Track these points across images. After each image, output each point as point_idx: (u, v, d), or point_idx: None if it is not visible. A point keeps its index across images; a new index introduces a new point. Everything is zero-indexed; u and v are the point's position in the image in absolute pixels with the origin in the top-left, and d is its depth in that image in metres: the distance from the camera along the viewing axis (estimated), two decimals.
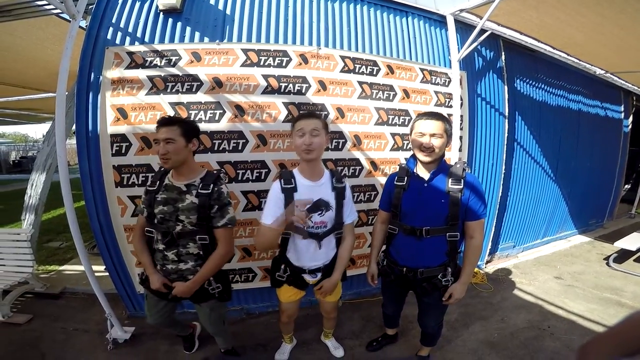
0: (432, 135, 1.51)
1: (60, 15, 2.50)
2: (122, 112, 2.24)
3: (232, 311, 2.68)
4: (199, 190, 1.56)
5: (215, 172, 1.67)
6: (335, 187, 1.67)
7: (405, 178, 1.68)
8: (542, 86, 4.02)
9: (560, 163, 4.40)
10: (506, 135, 3.57)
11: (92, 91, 2.26)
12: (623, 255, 4.06)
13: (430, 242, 1.62)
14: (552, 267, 3.88)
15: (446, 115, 1.64)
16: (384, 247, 1.92)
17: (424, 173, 1.62)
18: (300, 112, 2.43)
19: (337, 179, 1.69)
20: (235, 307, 2.72)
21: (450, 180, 1.56)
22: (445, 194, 1.56)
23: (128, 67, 2.25)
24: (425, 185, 1.61)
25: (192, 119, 2.16)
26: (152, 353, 2.25)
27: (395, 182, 1.71)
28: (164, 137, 1.50)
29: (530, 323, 2.64)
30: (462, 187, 1.54)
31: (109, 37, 2.29)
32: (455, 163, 1.62)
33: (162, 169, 1.68)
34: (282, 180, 1.62)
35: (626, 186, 6.68)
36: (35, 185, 2.97)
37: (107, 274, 2.50)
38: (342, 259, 1.76)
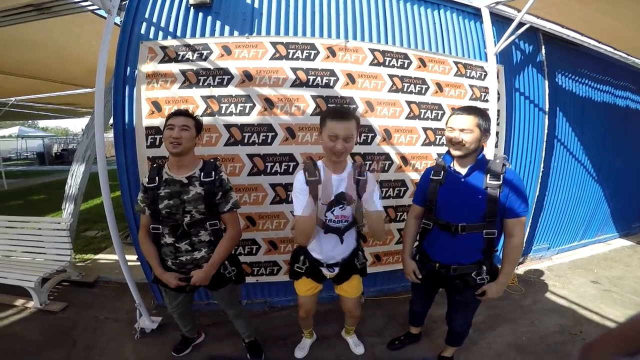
0: (462, 130, 1.48)
1: (96, 12, 2.58)
2: (156, 105, 2.30)
3: (255, 304, 2.73)
4: (202, 180, 1.61)
5: (212, 160, 1.70)
6: (358, 180, 1.61)
7: (442, 172, 1.64)
8: (586, 81, 3.75)
9: (604, 162, 4.11)
10: (546, 131, 3.39)
11: (128, 85, 2.34)
12: None
13: (466, 238, 1.57)
14: (589, 271, 3.65)
15: (482, 109, 1.57)
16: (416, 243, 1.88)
17: (460, 168, 1.58)
18: (331, 106, 2.39)
19: (360, 171, 1.62)
20: (259, 300, 2.76)
21: (488, 176, 1.50)
22: (483, 190, 1.50)
23: (162, 62, 2.30)
24: (462, 180, 1.56)
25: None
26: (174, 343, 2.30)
27: (431, 176, 1.68)
28: (181, 124, 1.56)
29: (561, 327, 2.50)
30: (500, 183, 1.48)
31: (142, 32, 2.35)
32: (495, 158, 1.55)
33: (155, 165, 1.71)
34: (306, 173, 1.60)
35: None
36: (75, 176, 3.13)
37: (139, 263, 2.59)
38: (376, 229, 1.65)
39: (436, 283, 1.82)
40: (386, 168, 2.64)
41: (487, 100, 2.87)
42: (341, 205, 1.61)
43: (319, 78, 2.42)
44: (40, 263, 2.94)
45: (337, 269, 1.76)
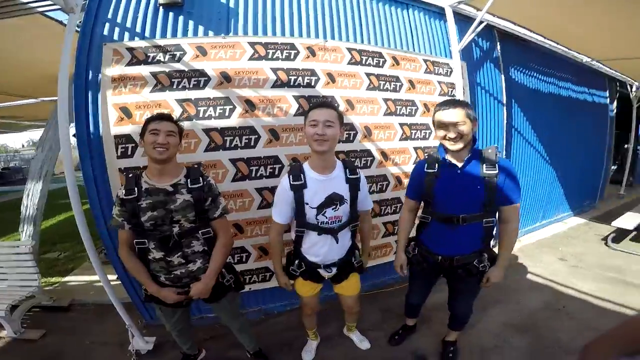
0: (455, 124, 1.47)
1: (45, 13, 2.29)
2: (125, 111, 2.14)
3: (250, 312, 2.62)
4: (190, 186, 1.51)
5: (196, 166, 1.63)
6: (350, 179, 1.62)
7: (437, 165, 1.63)
8: (535, 74, 4.14)
9: (555, 147, 4.53)
10: (505, 122, 3.66)
11: (91, 90, 2.14)
12: (620, 235, 4.19)
13: (466, 229, 1.59)
14: (555, 249, 3.97)
15: (463, 100, 1.62)
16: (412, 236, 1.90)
17: (456, 160, 1.58)
18: (314, 101, 2.39)
19: (351, 170, 1.64)
20: (254, 309, 2.65)
21: (484, 165, 1.52)
22: (481, 180, 1.52)
23: (129, 64, 2.14)
24: (459, 172, 1.57)
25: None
26: None
27: (425, 170, 1.66)
28: (167, 129, 1.46)
29: (545, 304, 2.69)
30: (497, 171, 1.51)
31: (105, 33, 2.17)
32: (487, 148, 1.56)
33: (131, 175, 1.58)
34: (290, 177, 1.57)
35: (613, 167, 6.92)
36: (32, 195, 2.81)
37: (119, 282, 2.38)
38: (365, 239, 1.88)
39: (437, 274, 1.86)
40: (368, 164, 2.69)
41: (454, 95, 3.05)
42: (334, 207, 1.59)
43: (300, 78, 2.40)
44: (6, 291, 2.63)
45: (334, 269, 1.74)
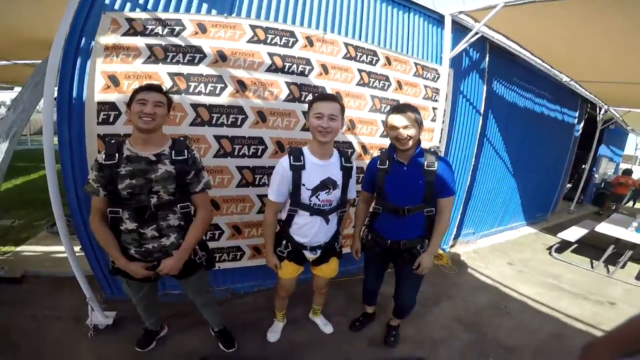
0: (405, 127, 1.66)
1: None
2: (113, 80, 2.05)
3: (217, 291, 2.64)
4: (174, 158, 1.50)
5: (182, 138, 1.61)
6: (344, 167, 1.76)
7: (387, 162, 1.84)
8: (515, 88, 4.36)
9: (520, 159, 4.87)
10: (479, 130, 3.87)
11: (80, 56, 2.03)
12: (563, 246, 4.66)
13: (411, 218, 1.81)
14: (505, 254, 4.36)
15: (413, 105, 1.80)
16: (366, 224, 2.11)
17: (403, 158, 1.79)
18: (304, 95, 2.46)
19: (346, 158, 1.79)
20: (221, 287, 2.70)
21: (426, 163, 1.74)
22: (422, 176, 1.75)
23: (125, 34, 2.05)
24: (405, 169, 1.78)
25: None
26: (137, 338, 2.11)
27: (378, 166, 1.87)
28: (155, 100, 1.44)
29: (490, 303, 2.98)
30: (435, 169, 1.73)
31: (107, 1, 2.06)
32: (430, 148, 1.81)
33: (114, 141, 1.53)
34: (291, 157, 1.66)
35: (568, 185, 7.52)
36: None
37: (80, 254, 2.27)
38: (342, 226, 2.02)
39: (387, 259, 2.06)
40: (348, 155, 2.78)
41: (436, 100, 3.18)
42: (327, 190, 1.71)
43: (295, 65, 2.41)
44: None
45: (319, 252, 1.87)
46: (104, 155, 1.44)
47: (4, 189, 5.31)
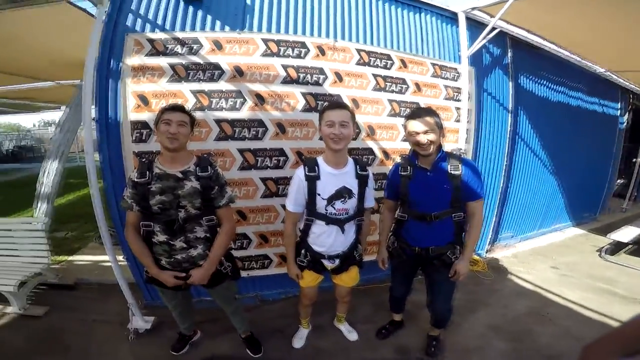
0: (425, 132, 1.63)
1: (72, 2, 2.42)
2: (143, 99, 2.26)
3: (246, 298, 2.75)
4: (199, 174, 1.60)
5: (205, 155, 1.72)
6: (360, 175, 1.74)
7: (409, 168, 1.79)
8: (545, 83, 4.14)
9: (558, 157, 4.55)
10: (509, 129, 3.71)
11: (112, 78, 2.26)
12: (616, 248, 4.23)
13: (439, 224, 1.76)
14: (549, 258, 4.03)
15: (431, 109, 1.76)
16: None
17: (425, 164, 1.74)
18: (321, 103, 2.51)
19: (361, 167, 1.76)
20: (250, 294, 2.78)
21: (450, 167, 1.69)
22: (448, 180, 1.69)
23: (149, 55, 2.26)
24: (429, 174, 1.74)
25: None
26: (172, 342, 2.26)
27: (400, 173, 1.82)
28: (179, 120, 1.55)
29: (530, 309, 2.77)
30: (460, 172, 1.68)
31: (128, 24, 2.28)
32: (452, 151, 1.76)
33: (145, 160, 1.67)
34: (305, 168, 1.69)
35: (619, 181, 6.89)
36: (48, 173, 2.97)
37: (124, 263, 2.49)
38: (364, 235, 1.98)
39: (415, 266, 2.01)
40: (370, 162, 2.78)
41: (459, 100, 3.11)
42: (342, 199, 1.71)
43: (308, 75, 2.50)
44: (16, 266, 2.74)
45: (337, 261, 1.86)
46: (136, 174, 1.58)
47: (58, 204, 5.88)
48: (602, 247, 4.25)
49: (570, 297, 2.96)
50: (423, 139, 1.63)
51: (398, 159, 1.93)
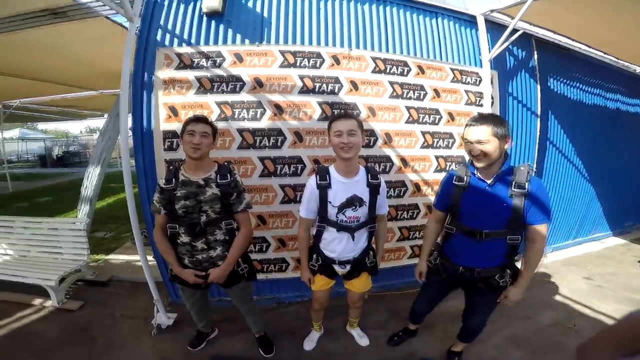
0: (479, 142, 1.48)
1: (109, 17, 2.64)
2: (173, 110, 2.45)
3: (264, 300, 2.86)
4: (219, 181, 1.72)
5: (226, 164, 1.84)
6: (371, 183, 1.76)
7: (465, 178, 1.65)
8: (577, 85, 3.93)
9: (595, 163, 4.28)
10: (538, 134, 3.56)
11: (146, 90, 2.47)
12: None
13: (489, 244, 1.61)
14: (582, 268, 3.81)
15: (496, 116, 1.58)
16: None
17: (485, 176, 1.59)
18: (336, 112, 2.56)
19: (373, 175, 1.78)
20: (268, 296, 2.89)
21: (514, 183, 1.52)
22: (509, 197, 1.53)
23: (177, 68, 2.45)
24: (488, 187, 1.58)
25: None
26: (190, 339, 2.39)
27: (454, 182, 1.69)
28: (202, 131, 1.67)
29: (555, 321, 2.65)
30: (525, 191, 1.50)
31: (158, 38, 2.48)
32: (520, 166, 1.56)
33: (172, 167, 1.81)
34: (317, 177, 1.75)
35: None
36: (91, 178, 3.27)
37: (154, 262, 2.69)
38: (380, 240, 1.98)
39: (452, 286, 1.89)
40: (387, 170, 2.80)
41: (481, 105, 3.04)
42: (353, 207, 1.75)
43: (324, 85, 2.58)
44: (58, 262, 3.03)
45: (348, 266, 1.90)
46: (164, 180, 1.75)
47: (98, 206, 6.41)
48: None
49: (602, 309, 2.80)
50: (476, 148, 1.49)
51: (454, 167, 1.80)
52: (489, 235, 1.59)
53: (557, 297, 3.07)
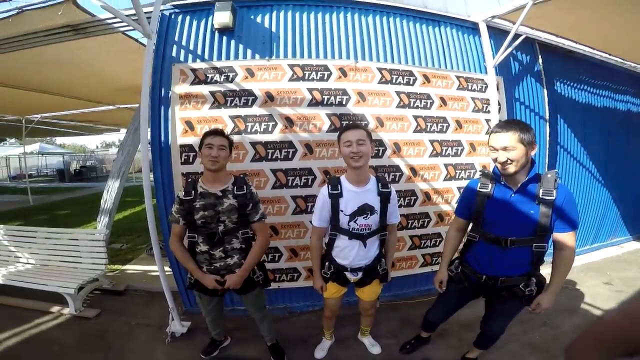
0: (504, 148, 1.46)
1: (126, 32, 2.76)
2: (189, 125, 2.56)
3: (276, 309, 2.88)
4: (236, 193, 1.80)
5: (241, 176, 1.92)
6: (381, 192, 1.80)
7: (490, 185, 1.63)
8: (585, 87, 3.93)
9: (610, 166, 4.23)
10: (547, 138, 3.55)
11: (163, 105, 2.58)
12: None
13: (514, 252, 1.58)
14: (602, 274, 3.72)
15: (521, 122, 1.54)
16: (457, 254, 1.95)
17: (511, 183, 1.56)
18: (345, 123, 2.62)
19: (383, 184, 1.82)
20: (280, 306, 2.91)
21: (541, 190, 1.50)
22: (536, 205, 1.51)
23: (193, 83, 2.56)
24: (513, 195, 1.56)
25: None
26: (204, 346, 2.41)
27: (478, 189, 1.67)
28: (220, 144, 1.77)
29: (574, 327, 2.61)
30: (553, 198, 1.48)
31: (173, 54, 2.60)
32: (547, 173, 1.53)
33: (190, 180, 1.91)
34: (329, 186, 1.80)
35: None
36: (110, 191, 3.39)
37: (169, 272, 2.73)
38: (390, 250, 2.01)
39: (475, 295, 1.86)
40: (397, 179, 2.84)
41: (488, 111, 3.07)
42: (365, 215, 1.79)
43: (332, 97, 2.66)
44: (77, 272, 3.14)
45: (360, 274, 1.93)
46: (183, 192, 1.83)
47: (116, 219, 6.60)
48: None
49: None
50: (502, 156, 1.47)
51: (478, 175, 1.78)
52: (515, 242, 1.56)
53: (577, 303, 3.01)
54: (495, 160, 1.53)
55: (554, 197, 1.48)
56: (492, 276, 1.67)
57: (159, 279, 2.50)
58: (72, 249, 3.28)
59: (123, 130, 9.79)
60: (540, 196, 1.49)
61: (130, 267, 4.05)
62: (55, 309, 2.95)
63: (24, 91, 4.72)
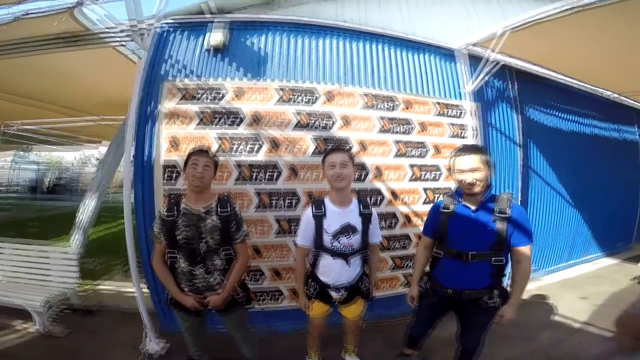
0: (472, 170, 1.63)
1: (117, 48, 2.76)
2: (175, 142, 2.55)
3: (259, 331, 2.77)
4: (219, 212, 1.81)
5: (225, 196, 1.93)
6: (363, 213, 1.89)
7: (451, 206, 1.79)
8: (555, 113, 4.17)
9: (578, 187, 4.44)
10: (520, 163, 3.69)
11: (150, 121, 2.57)
12: None
13: (475, 265, 1.70)
14: (578, 289, 3.86)
15: (481, 146, 1.76)
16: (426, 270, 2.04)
17: (470, 203, 1.73)
18: (329, 146, 2.68)
19: (364, 205, 1.92)
20: (263, 327, 2.83)
21: (497, 209, 1.66)
22: (492, 223, 1.67)
23: (181, 100, 2.57)
24: (472, 214, 1.72)
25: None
26: None
27: (441, 209, 1.82)
28: (205, 163, 1.79)
29: (555, 341, 2.70)
30: (508, 216, 1.64)
31: (164, 70, 2.62)
32: (501, 194, 1.73)
33: (173, 200, 1.91)
34: (313, 207, 1.88)
35: None
36: (87, 208, 3.30)
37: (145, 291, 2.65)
38: (372, 270, 2.06)
39: (445, 308, 1.95)
40: (378, 202, 2.90)
41: (465, 137, 3.20)
42: (347, 235, 1.86)
43: (318, 120, 2.74)
44: (47, 286, 2.98)
45: (344, 292, 1.96)
46: (165, 210, 1.83)
47: (90, 237, 6.33)
48: (638, 276, 4.04)
49: (603, 325, 2.86)
50: (469, 177, 1.63)
51: (441, 197, 1.92)
52: (475, 256, 1.69)
53: (556, 317, 3.12)
54: (461, 182, 1.69)
55: (508, 215, 1.64)
56: (457, 290, 1.78)
57: (133, 298, 2.44)
58: (43, 261, 3.10)
59: (102, 146, 9.54)
60: (496, 215, 1.66)
61: (104, 286, 3.87)
62: (20, 325, 2.78)
63: (2, 93, 4.51)
